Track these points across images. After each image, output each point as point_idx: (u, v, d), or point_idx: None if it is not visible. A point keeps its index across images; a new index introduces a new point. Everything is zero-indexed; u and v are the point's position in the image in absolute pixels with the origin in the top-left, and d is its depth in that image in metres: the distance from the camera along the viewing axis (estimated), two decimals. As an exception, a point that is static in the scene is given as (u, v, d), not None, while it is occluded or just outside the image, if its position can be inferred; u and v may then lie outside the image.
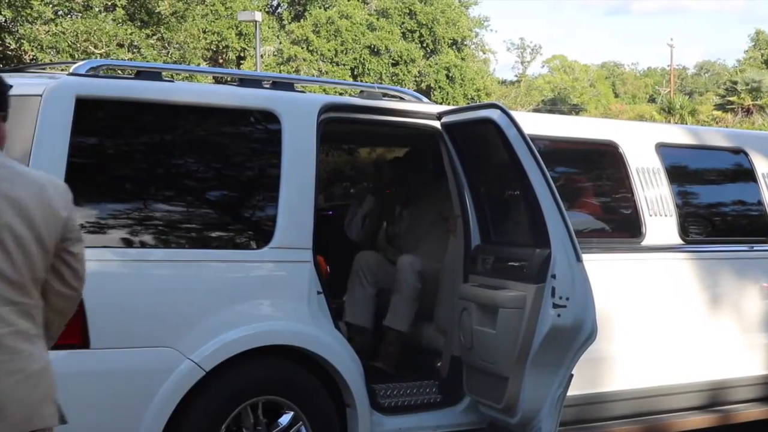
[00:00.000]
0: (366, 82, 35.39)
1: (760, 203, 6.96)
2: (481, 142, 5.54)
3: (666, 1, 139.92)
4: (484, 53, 51.90)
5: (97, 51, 20.99)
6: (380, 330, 6.22)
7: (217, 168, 5.05)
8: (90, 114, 4.58)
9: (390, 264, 6.34)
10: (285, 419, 4.97)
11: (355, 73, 40.92)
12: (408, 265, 6.12)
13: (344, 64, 40.95)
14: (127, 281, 4.56)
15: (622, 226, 6.44)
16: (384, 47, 41.58)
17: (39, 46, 20.26)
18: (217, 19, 35.35)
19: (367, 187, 7.40)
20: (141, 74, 5.06)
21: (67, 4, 21.64)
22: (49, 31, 20.61)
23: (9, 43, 20.36)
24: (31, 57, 20.31)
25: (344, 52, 41.15)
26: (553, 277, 4.95)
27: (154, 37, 23.59)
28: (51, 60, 20.09)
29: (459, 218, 5.76)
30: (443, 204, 6.04)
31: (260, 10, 35.54)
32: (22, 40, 20.12)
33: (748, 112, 46.35)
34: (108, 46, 21.09)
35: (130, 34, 22.13)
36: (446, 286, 5.94)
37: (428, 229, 6.40)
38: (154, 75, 5.05)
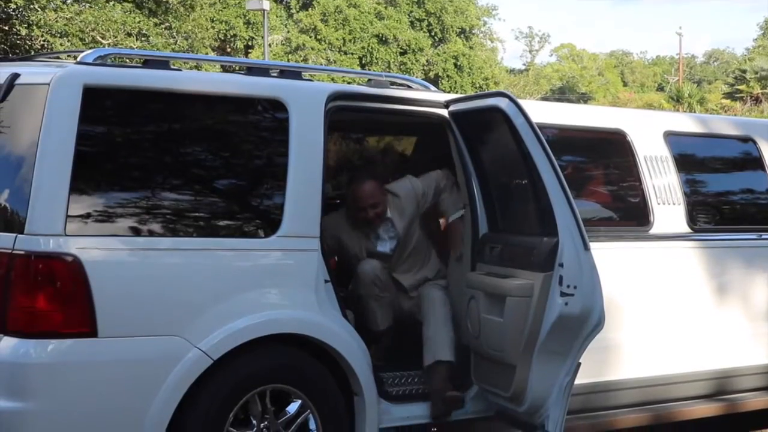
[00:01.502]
0: (374, 70, 35.36)
1: (768, 192, 6.96)
2: (489, 131, 5.54)
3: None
4: (492, 42, 51.99)
5: (104, 42, 20.99)
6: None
7: (224, 156, 5.05)
8: (98, 103, 4.58)
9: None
10: (293, 407, 4.97)
11: (363, 62, 40.92)
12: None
13: (352, 53, 40.94)
14: (135, 270, 4.56)
15: (630, 215, 6.43)
16: (392, 36, 41.56)
17: (49, 31, 20.26)
18: (225, 8, 35.41)
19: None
20: (149, 63, 5.07)
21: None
22: (59, 18, 20.60)
23: (19, 30, 20.35)
24: (41, 42, 20.30)
25: (352, 41, 41.14)
26: (561, 265, 4.95)
27: (162, 26, 23.59)
28: (62, 45, 20.11)
29: (467, 207, 5.76)
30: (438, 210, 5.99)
31: (268, -1, 35.53)
32: (32, 26, 20.10)
33: (756, 100, 46.20)
34: (115, 37, 21.09)
35: (139, 22, 22.13)
36: (454, 274, 5.94)
37: (423, 244, 6.05)
38: (161, 64, 5.06)
